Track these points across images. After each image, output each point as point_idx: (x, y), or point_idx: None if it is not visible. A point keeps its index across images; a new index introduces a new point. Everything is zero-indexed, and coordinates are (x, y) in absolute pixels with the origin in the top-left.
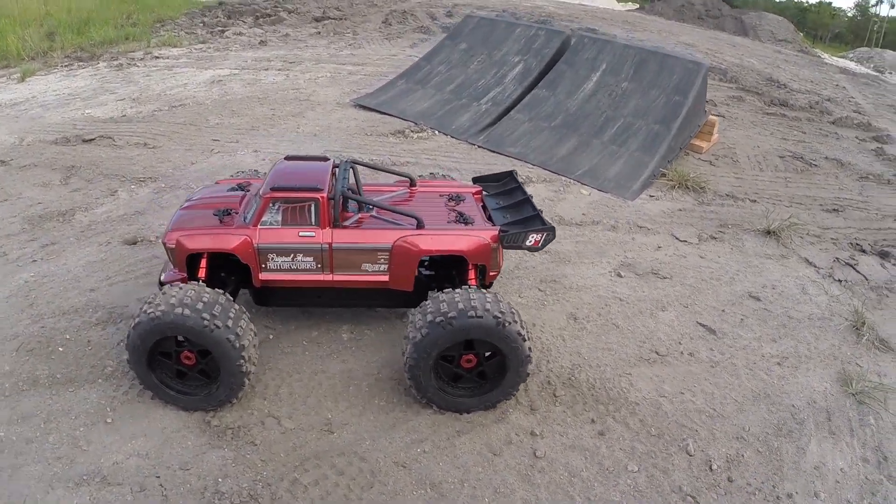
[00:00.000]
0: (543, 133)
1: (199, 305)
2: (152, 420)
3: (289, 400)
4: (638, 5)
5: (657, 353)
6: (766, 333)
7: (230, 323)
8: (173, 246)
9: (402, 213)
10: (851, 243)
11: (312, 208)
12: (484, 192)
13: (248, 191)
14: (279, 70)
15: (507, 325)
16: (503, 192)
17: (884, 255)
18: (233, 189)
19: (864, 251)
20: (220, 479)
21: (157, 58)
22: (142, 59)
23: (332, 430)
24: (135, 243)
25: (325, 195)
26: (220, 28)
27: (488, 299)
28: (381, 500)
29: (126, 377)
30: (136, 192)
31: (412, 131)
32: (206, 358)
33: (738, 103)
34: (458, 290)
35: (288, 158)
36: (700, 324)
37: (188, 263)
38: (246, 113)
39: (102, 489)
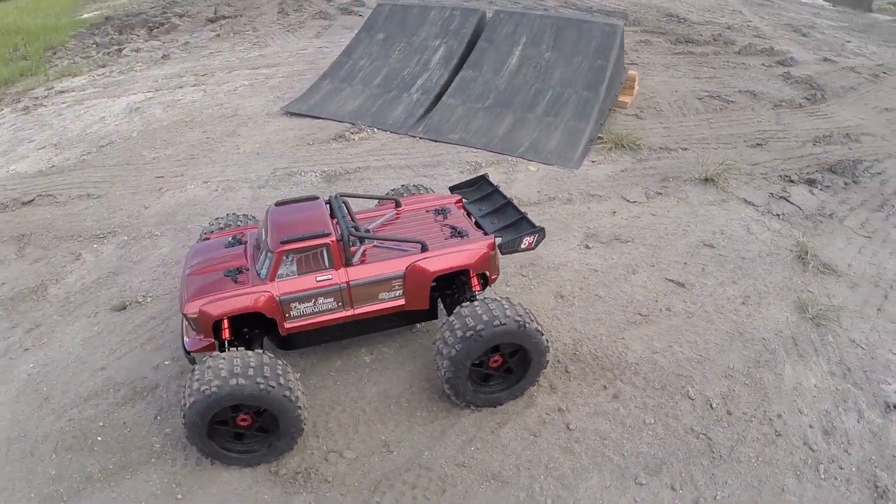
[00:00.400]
0: (479, 115)
1: (250, 371)
2: (220, 485)
3: (340, 432)
4: None
5: (640, 314)
6: (726, 277)
7: (281, 380)
8: (196, 315)
9: (406, 241)
10: (780, 176)
11: (325, 253)
12: (464, 200)
13: (245, 242)
14: (194, 86)
15: (526, 325)
16: (482, 197)
17: (811, 183)
18: (230, 245)
19: (792, 181)
20: None
21: (61, 92)
22: (46, 97)
23: (391, 449)
24: (124, 308)
25: (333, 238)
26: (115, 47)
27: (505, 306)
28: (456, 501)
29: (177, 449)
30: (101, 252)
31: (351, 133)
32: (263, 415)
33: (646, 47)
34: (476, 303)
35: (279, 204)
36: (669, 280)
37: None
38: (179, 141)
39: None
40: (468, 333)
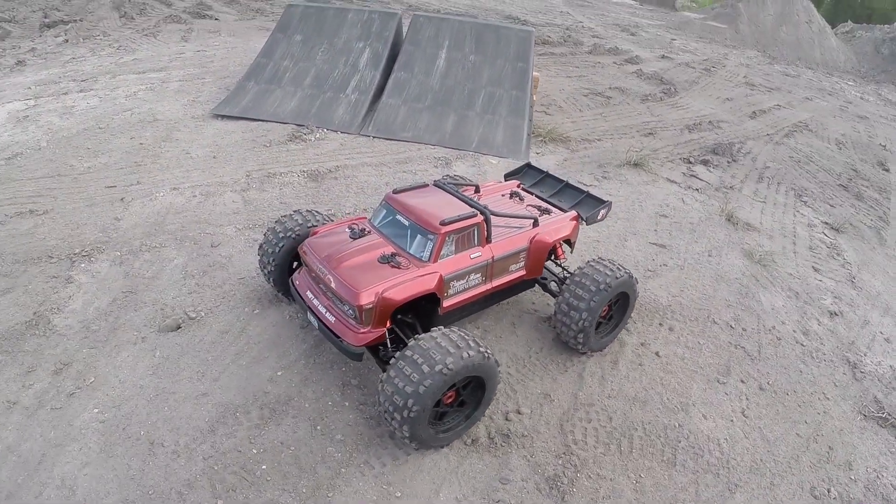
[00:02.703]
0: (423, 114)
1: (471, 343)
2: (429, 471)
3: (502, 395)
4: None
5: (649, 269)
6: (689, 238)
7: (488, 348)
8: (371, 305)
9: (523, 217)
10: (681, 158)
11: (476, 232)
12: (521, 186)
13: (369, 231)
14: (81, 92)
15: (632, 276)
16: (536, 182)
17: (705, 163)
18: (356, 235)
19: (691, 163)
20: (539, 469)
21: None
22: None
23: (552, 398)
24: (178, 328)
25: (482, 218)
26: None
27: (615, 263)
28: (621, 423)
29: (360, 452)
30: (97, 271)
31: (305, 134)
32: (466, 388)
33: None
34: (594, 265)
35: (397, 192)
36: (652, 243)
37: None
38: (108, 149)
39: None
40: (602, 287)
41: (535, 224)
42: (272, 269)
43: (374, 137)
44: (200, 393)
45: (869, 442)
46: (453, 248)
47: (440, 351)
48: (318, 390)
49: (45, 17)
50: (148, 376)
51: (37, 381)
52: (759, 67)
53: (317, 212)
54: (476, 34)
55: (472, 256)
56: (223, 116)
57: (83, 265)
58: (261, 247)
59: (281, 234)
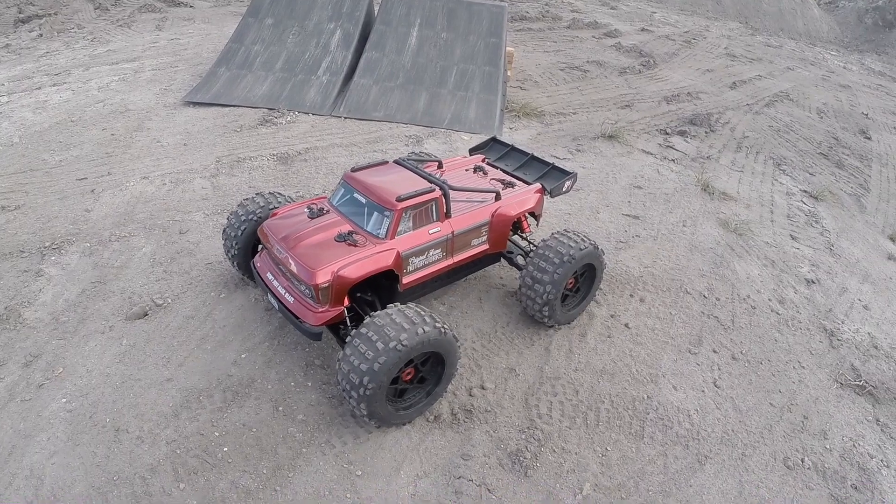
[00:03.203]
0: (394, 93)
1: (427, 319)
2: (390, 449)
3: (466, 371)
4: None
5: (621, 241)
6: (663, 209)
7: (446, 323)
8: (328, 283)
9: (484, 191)
10: (658, 130)
11: (434, 207)
12: (487, 159)
13: (328, 210)
14: (55, 86)
15: (598, 247)
16: (501, 156)
17: (682, 133)
18: (315, 214)
19: (668, 133)
20: (502, 444)
21: None
22: None
23: (518, 372)
24: (145, 315)
25: (440, 193)
26: None
27: (579, 235)
28: (588, 397)
29: (322, 432)
30: (67, 263)
31: (276, 118)
32: (426, 364)
33: None
34: (558, 237)
35: (355, 170)
36: (625, 214)
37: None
38: (80, 141)
39: None
40: (566, 259)
41: (498, 198)
42: (235, 252)
43: (345, 118)
44: (165, 378)
45: (845, 410)
46: (411, 224)
47: (395, 327)
48: (282, 371)
49: (20, 13)
50: (115, 364)
51: (7, 374)
52: (740, 39)
53: (279, 193)
54: (448, 11)
55: (430, 232)
56: (195, 103)
57: (53, 258)
58: (224, 231)
59: (243, 218)
